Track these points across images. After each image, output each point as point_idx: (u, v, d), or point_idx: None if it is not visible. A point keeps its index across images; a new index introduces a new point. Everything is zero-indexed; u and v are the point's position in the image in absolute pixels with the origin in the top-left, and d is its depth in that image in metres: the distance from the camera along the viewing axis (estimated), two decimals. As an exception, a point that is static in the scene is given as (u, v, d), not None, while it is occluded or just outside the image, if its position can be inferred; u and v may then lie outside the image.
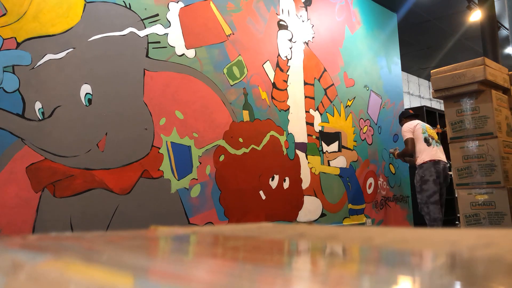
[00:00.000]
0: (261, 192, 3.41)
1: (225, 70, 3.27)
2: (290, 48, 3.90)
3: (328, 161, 4.11)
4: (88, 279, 0.25)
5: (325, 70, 4.24)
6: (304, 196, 3.80)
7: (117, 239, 0.48)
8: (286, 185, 3.63)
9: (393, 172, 4.99)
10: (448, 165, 3.97)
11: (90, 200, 2.43)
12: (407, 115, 4.40)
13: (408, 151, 4.20)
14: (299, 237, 0.44)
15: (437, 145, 4.16)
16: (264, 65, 3.61)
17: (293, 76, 3.89)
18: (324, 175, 4.03)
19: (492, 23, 6.85)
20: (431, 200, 3.97)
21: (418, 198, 4.05)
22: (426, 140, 4.11)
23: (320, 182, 3.97)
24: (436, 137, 4.26)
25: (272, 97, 3.64)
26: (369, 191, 4.55)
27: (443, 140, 6.96)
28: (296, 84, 3.90)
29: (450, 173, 3.95)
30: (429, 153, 4.05)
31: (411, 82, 11.74)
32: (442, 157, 4.11)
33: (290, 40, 3.91)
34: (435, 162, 4.00)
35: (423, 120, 7.04)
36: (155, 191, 2.73)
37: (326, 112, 4.18)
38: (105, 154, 2.52)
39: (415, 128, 4.16)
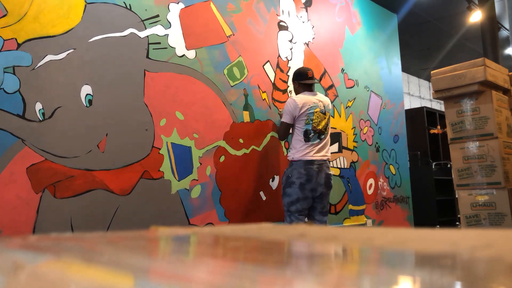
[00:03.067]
0: (261, 193, 3.41)
1: (225, 71, 3.27)
2: (291, 49, 3.91)
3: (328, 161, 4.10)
4: (89, 279, 0.25)
5: (325, 71, 4.24)
6: (305, 197, 3.79)
7: (117, 239, 0.48)
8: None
9: (394, 172, 4.99)
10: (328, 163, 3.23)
11: (91, 200, 2.43)
12: (302, 78, 3.27)
13: (279, 136, 3.39)
14: (299, 238, 0.44)
15: (322, 138, 3.21)
16: (264, 66, 3.61)
17: (294, 77, 3.89)
18: (325, 176, 4.02)
19: (492, 23, 6.86)
20: (291, 209, 3.11)
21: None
22: (306, 134, 3.15)
23: (320, 183, 3.96)
24: (322, 125, 3.21)
25: (273, 98, 3.64)
26: (370, 191, 4.55)
27: (444, 141, 6.95)
28: (296, 85, 3.90)
29: (331, 172, 3.24)
30: (305, 149, 3.14)
31: (411, 83, 11.74)
32: (321, 155, 3.17)
33: (291, 41, 3.91)
34: (308, 162, 3.10)
35: (423, 121, 7.07)
36: (156, 191, 2.73)
37: (327, 112, 4.18)
38: (106, 155, 2.52)
39: (302, 109, 3.14)
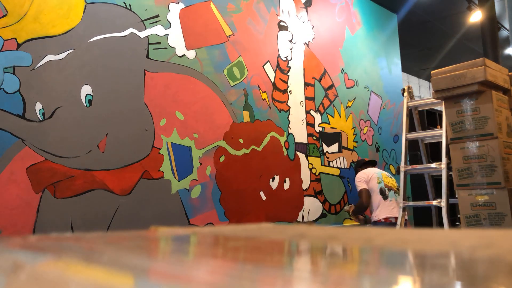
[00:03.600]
0: (261, 193, 3.40)
1: (225, 71, 3.27)
2: (291, 49, 3.91)
3: (329, 161, 4.10)
4: (89, 279, 0.25)
5: (325, 71, 4.24)
6: (305, 197, 3.79)
7: (117, 239, 0.48)
8: (286, 185, 3.63)
9: (394, 172, 4.99)
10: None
11: (91, 201, 2.43)
12: (361, 163, 3.85)
13: (362, 205, 3.57)
14: (299, 238, 0.44)
15: (395, 197, 3.54)
16: (264, 66, 3.61)
17: (294, 77, 3.89)
18: (325, 176, 4.02)
19: (492, 23, 6.85)
20: None
21: None
22: (382, 193, 3.50)
23: (320, 183, 3.96)
24: (395, 186, 3.65)
25: (273, 98, 3.64)
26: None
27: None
28: (296, 85, 3.90)
29: None
30: (385, 208, 3.45)
31: (411, 83, 11.74)
32: (395, 215, 3.44)
33: (291, 41, 3.91)
34: (391, 224, 3.39)
35: (421, 121, 7.06)
36: (156, 192, 2.73)
37: (327, 112, 4.18)
38: (106, 155, 2.52)
39: (370, 177, 3.58)
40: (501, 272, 0.26)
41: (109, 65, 2.58)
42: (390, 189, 3.57)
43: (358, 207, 3.64)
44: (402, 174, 3.44)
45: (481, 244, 0.35)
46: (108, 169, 2.52)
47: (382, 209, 3.45)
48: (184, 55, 3.00)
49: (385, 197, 3.49)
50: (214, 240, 0.47)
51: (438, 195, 6.34)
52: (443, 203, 3.02)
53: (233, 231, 0.53)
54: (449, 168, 3.15)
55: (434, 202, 3.25)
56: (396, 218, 3.37)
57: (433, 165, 3.22)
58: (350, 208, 3.87)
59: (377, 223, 3.41)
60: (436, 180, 6.30)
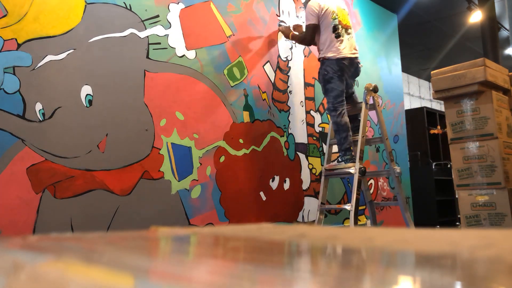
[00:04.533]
0: (261, 193, 3.41)
1: (225, 71, 3.27)
2: (290, 49, 3.91)
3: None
4: (89, 279, 0.25)
5: (325, 71, 4.23)
6: (305, 197, 3.79)
7: (117, 240, 0.48)
8: (286, 186, 3.63)
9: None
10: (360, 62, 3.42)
11: (91, 201, 2.43)
12: None
13: (305, 41, 3.47)
14: (299, 238, 0.44)
15: (348, 37, 3.35)
16: (264, 66, 3.61)
17: (294, 77, 3.89)
18: (325, 176, 4.02)
19: (492, 24, 6.86)
20: (337, 101, 3.27)
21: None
22: (335, 29, 3.28)
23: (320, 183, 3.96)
24: (350, 26, 3.42)
25: (273, 98, 3.64)
26: (370, 192, 4.55)
27: (444, 141, 6.95)
28: (296, 85, 3.90)
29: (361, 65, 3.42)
30: (336, 48, 3.27)
31: (411, 83, 11.75)
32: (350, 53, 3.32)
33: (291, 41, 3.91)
34: (340, 59, 3.26)
35: (423, 121, 7.07)
36: (156, 192, 2.73)
37: (327, 113, 4.18)
38: (106, 155, 2.52)
39: (325, 11, 3.30)
40: (501, 272, 0.26)
41: (109, 65, 2.59)
42: (345, 28, 3.34)
43: (299, 39, 3.51)
44: (322, 178, 3.41)
45: (481, 244, 0.35)
46: (108, 169, 2.52)
47: (333, 48, 3.26)
48: (184, 55, 3.00)
49: (337, 35, 3.28)
50: (214, 240, 0.47)
51: (438, 194, 6.34)
52: (351, 207, 3.02)
53: (233, 231, 0.53)
54: (361, 172, 3.12)
55: (346, 206, 3.22)
56: (346, 58, 3.26)
57: (351, 170, 3.17)
58: (290, 32, 3.61)
59: (324, 60, 3.27)
60: (438, 180, 6.31)
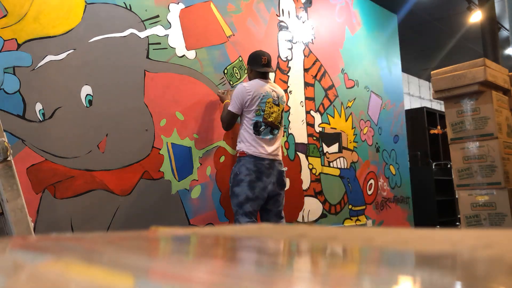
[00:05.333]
0: (261, 193, 3.40)
1: (225, 71, 3.28)
2: (290, 49, 3.91)
3: (329, 162, 4.10)
4: (89, 279, 0.25)
5: (325, 71, 4.24)
6: (305, 197, 3.79)
7: (117, 240, 0.48)
8: (286, 186, 3.63)
9: (394, 173, 4.99)
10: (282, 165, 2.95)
11: (91, 201, 2.43)
12: (255, 64, 2.93)
13: (223, 125, 2.97)
14: (299, 238, 0.44)
15: (271, 135, 2.88)
16: (264, 66, 3.61)
17: (294, 77, 3.89)
18: (325, 176, 4.02)
19: (492, 24, 6.86)
20: (240, 212, 2.78)
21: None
22: (257, 125, 2.83)
23: (320, 183, 3.96)
24: (277, 120, 2.91)
25: (273, 98, 3.64)
26: (370, 192, 4.55)
27: (444, 141, 6.95)
28: (296, 85, 3.90)
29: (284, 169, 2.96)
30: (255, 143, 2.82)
31: (411, 83, 11.75)
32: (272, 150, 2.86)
33: (290, 41, 3.91)
34: (258, 158, 2.80)
35: (423, 121, 7.06)
36: (156, 192, 2.73)
37: (327, 113, 4.18)
38: (106, 155, 2.52)
39: (253, 96, 2.82)
40: (501, 272, 0.26)
41: (109, 66, 2.59)
42: (269, 125, 2.86)
43: (222, 120, 2.97)
44: None
45: (481, 244, 0.35)
46: (108, 169, 2.52)
47: (254, 144, 2.81)
48: (184, 55, 3.00)
49: (258, 132, 2.82)
50: (214, 241, 0.47)
51: (438, 194, 6.33)
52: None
53: (233, 231, 0.53)
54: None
55: None
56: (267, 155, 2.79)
57: None
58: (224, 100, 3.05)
59: (241, 158, 2.82)
60: (438, 180, 6.31)
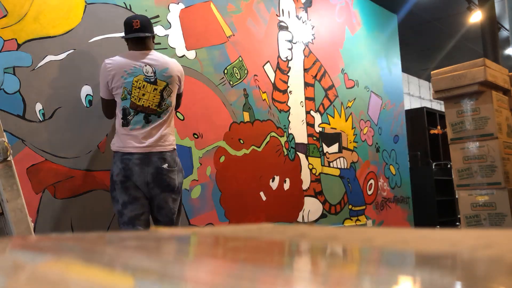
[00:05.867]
0: (261, 193, 3.41)
1: (225, 71, 3.28)
2: (290, 49, 3.91)
3: (329, 162, 4.11)
4: (89, 280, 0.25)
5: (325, 71, 4.24)
6: (305, 197, 3.79)
7: (117, 240, 0.48)
8: (286, 186, 3.63)
9: (394, 173, 4.99)
10: (166, 163, 2.23)
11: (91, 201, 2.43)
12: (126, 31, 2.29)
13: (105, 114, 2.38)
14: (299, 238, 0.44)
15: (145, 123, 2.22)
16: (264, 66, 3.61)
17: (294, 77, 3.89)
18: (325, 176, 4.02)
19: (492, 24, 6.86)
20: (122, 220, 2.22)
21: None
22: (125, 113, 2.20)
23: (320, 183, 3.96)
24: (147, 99, 2.21)
25: (273, 98, 3.64)
26: (370, 192, 4.55)
27: (444, 141, 6.94)
28: (296, 85, 3.90)
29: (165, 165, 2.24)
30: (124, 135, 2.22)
31: (411, 83, 11.74)
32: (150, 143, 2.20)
33: (290, 41, 3.91)
34: (126, 153, 2.19)
35: (423, 121, 7.07)
36: (156, 192, 2.72)
37: (327, 113, 4.18)
38: (106, 155, 2.52)
39: (115, 75, 2.19)
40: (501, 272, 0.26)
41: (109, 66, 2.58)
42: (141, 111, 2.21)
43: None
44: None
45: (481, 244, 0.35)
46: (108, 169, 2.52)
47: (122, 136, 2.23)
48: (184, 55, 3.00)
49: (127, 122, 2.21)
50: (214, 241, 0.47)
51: (438, 194, 6.33)
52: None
53: (233, 231, 0.53)
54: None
55: None
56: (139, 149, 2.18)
57: None
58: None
59: (114, 154, 2.24)
60: (438, 180, 6.31)
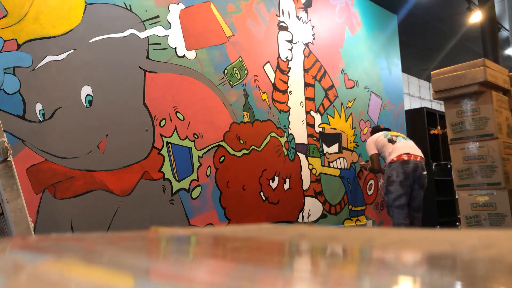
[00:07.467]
0: (261, 193, 3.40)
1: (225, 72, 3.28)
2: (290, 50, 3.91)
3: (329, 162, 4.10)
4: (89, 280, 0.25)
5: (325, 71, 4.24)
6: (305, 197, 3.79)
7: (117, 240, 0.48)
8: (286, 186, 3.63)
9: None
10: (423, 162, 3.79)
11: (91, 201, 2.43)
12: (376, 130, 4.22)
13: (374, 169, 4.09)
14: (299, 238, 0.44)
15: (404, 139, 3.90)
16: (264, 67, 3.61)
17: (294, 78, 3.89)
18: (325, 176, 4.02)
19: (492, 24, 6.85)
20: (395, 204, 3.70)
21: (385, 200, 3.85)
22: (390, 141, 3.84)
23: (320, 183, 3.96)
24: (402, 134, 4.13)
25: (273, 99, 3.64)
26: (370, 192, 4.55)
27: (444, 141, 6.94)
28: (296, 86, 3.90)
29: (424, 173, 3.78)
30: (396, 150, 3.77)
31: (411, 83, 11.74)
32: (412, 152, 3.78)
33: (290, 41, 3.91)
34: (404, 162, 3.70)
35: (423, 121, 7.06)
36: (156, 192, 2.72)
37: (327, 113, 4.18)
38: (106, 156, 2.52)
39: (377, 139, 3.93)
40: (501, 272, 0.26)
41: (109, 66, 2.59)
42: (396, 136, 3.89)
43: (371, 170, 4.14)
44: None
45: (481, 244, 0.35)
46: (108, 169, 2.52)
47: (393, 152, 3.73)
48: (184, 55, 3.00)
49: (393, 142, 3.78)
50: (214, 241, 0.47)
51: (438, 195, 6.32)
52: None
53: (233, 231, 0.53)
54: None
55: None
56: (408, 154, 3.69)
57: None
58: (367, 165, 4.23)
59: (391, 163, 3.70)
60: (438, 180, 6.31)
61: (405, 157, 3.69)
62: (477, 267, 0.28)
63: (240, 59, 3.39)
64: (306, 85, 4.01)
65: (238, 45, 3.40)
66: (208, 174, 3.05)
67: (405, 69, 9.41)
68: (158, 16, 2.87)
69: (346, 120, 4.40)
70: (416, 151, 3.80)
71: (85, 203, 2.41)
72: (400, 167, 3.66)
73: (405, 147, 3.77)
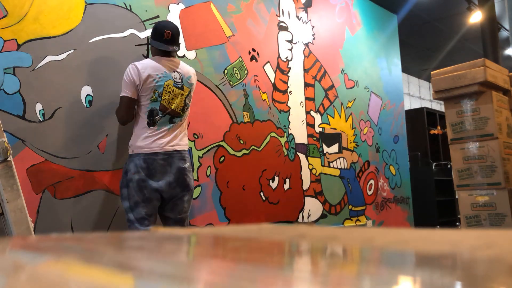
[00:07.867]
0: (261, 193, 3.41)
1: (225, 72, 3.28)
2: (290, 50, 3.91)
3: (329, 162, 4.11)
4: (89, 280, 0.25)
5: (325, 71, 4.24)
6: (305, 197, 3.79)
7: (117, 240, 0.48)
8: (286, 186, 3.63)
9: (394, 173, 4.99)
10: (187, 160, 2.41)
11: (91, 201, 2.43)
12: (156, 38, 2.41)
13: (118, 117, 2.42)
14: (299, 238, 0.44)
15: (171, 125, 2.37)
16: (264, 67, 3.61)
17: (294, 78, 3.89)
18: (325, 176, 4.02)
19: (492, 24, 6.86)
20: (131, 217, 2.30)
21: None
22: (152, 114, 2.33)
23: (320, 183, 3.96)
24: (176, 103, 2.38)
25: (273, 99, 3.64)
26: (370, 192, 4.55)
27: (444, 141, 6.94)
28: (296, 86, 3.90)
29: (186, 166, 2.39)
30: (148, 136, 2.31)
31: (411, 83, 11.74)
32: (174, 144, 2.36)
33: (290, 41, 3.91)
34: (151, 153, 2.29)
35: (423, 121, 7.07)
36: (156, 192, 2.72)
37: (327, 113, 4.18)
38: (106, 156, 2.52)
39: (147, 77, 2.32)
40: (501, 272, 0.26)
41: (109, 66, 2.59)
42: (169, 114, 2.38)
43: (117, 112, 2.43)
44: None
45: (481, 244, 0.35)
46: (108, 169, 2.52)
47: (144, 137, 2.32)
48: (184, 55, 3.00)
49: (153, 123, 2.33)
50: (214, 241, 0.47)
51: (438, 195, 6.33)
52: None
53: (233, 231, 0.53)
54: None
55: None
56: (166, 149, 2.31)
57: None
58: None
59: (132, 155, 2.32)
60: (438, 180, 6.31)
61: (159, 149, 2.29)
62: (477, 267, 0.28)
63: (240, 59, 3.39)
64: (306, 85, 4.01)
65: (238, 45, 3.40)
66: (208, 174, 3.05)
67: (405, 69, 9.40)
68: (158, 16, 2.87)
69: (346, 120, 4.40)
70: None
71: (85, 203, 2.41)
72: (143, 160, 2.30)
73: (172, 137, 2.37)
